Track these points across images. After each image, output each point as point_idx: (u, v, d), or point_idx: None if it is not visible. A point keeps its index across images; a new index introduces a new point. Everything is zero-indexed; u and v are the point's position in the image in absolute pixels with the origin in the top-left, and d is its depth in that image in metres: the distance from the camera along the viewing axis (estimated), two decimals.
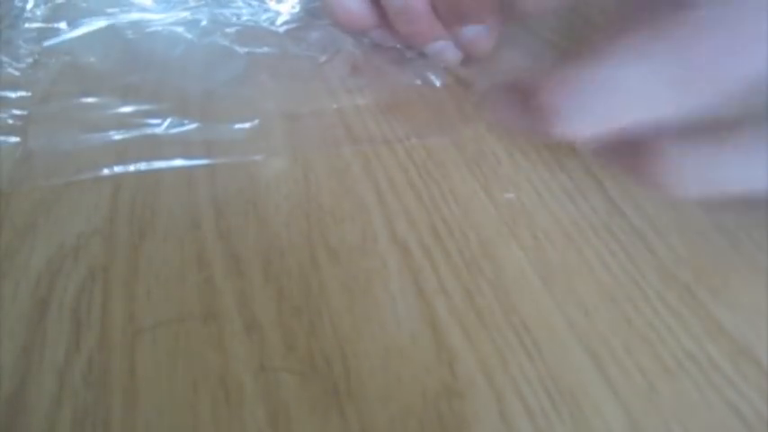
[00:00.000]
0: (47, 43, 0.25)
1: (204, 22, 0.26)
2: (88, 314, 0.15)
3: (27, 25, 0.26)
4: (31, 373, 0.13)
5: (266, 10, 0.28)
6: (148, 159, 0.19)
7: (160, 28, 0.26)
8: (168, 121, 0.21)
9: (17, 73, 0.23)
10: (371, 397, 0.13)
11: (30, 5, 0.27)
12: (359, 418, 0.13)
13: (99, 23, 0.26)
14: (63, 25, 0.25)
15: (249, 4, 0.28)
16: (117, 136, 0.20)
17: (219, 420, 0.13)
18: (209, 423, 0.12)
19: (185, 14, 0.27)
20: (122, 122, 0.21)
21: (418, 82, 0.23)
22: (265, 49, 0.25)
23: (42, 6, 0.27)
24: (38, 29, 0.26)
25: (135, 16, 0.27)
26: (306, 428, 0.12)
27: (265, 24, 0.26)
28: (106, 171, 0.19)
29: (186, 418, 0.13)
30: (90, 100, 0.22)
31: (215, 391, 0.13)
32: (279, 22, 0.26)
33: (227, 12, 0.27)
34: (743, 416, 0.13)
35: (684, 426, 0.12)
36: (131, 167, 0.19)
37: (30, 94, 0.22)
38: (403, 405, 0.13)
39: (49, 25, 0.25)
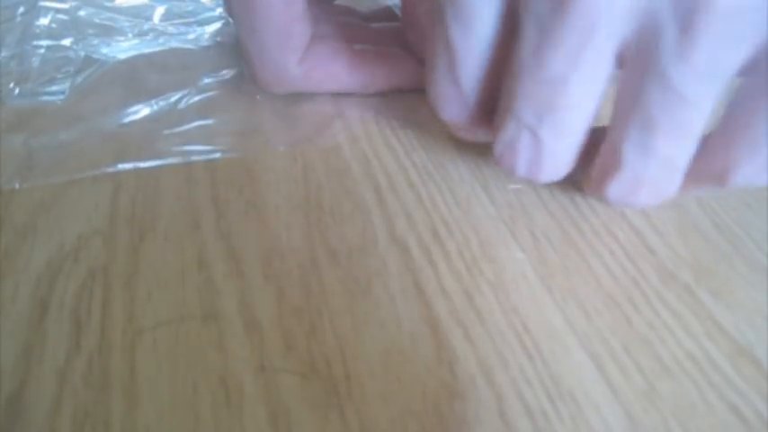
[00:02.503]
0: (50, 44, 0.25)
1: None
2: (88, 314, 0.15)
3: (35, 31, 0.26)
4: (31, 373, 0.13)
5: None
6: (149, 159, 0.19)
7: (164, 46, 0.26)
8: (169, 119, 0.21)
9: (19, 72, 0.23)
10: (371, 397, 0.13)
11: (40, 21, 0.27)
12: (359, 419, 0.13)
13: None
14: (67, 42, 0.25)
15: None
16: (117, 135, 0.20)
17: (219, 420, 0.13)
18: (210, 423, 0.12)
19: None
20: (123, 121, 0.21)
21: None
22: None
23: (48, 16, 0.27)
24: (43, 29, 0.26)
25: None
26: (306, 428, 0.12)
27: None
28: (106, 170, 0.19)
29: (186, 419, 0.13)
30: (91, 99, 0.22)
31: (215, 392, 0.13)
32: None
33: None
34: (743, 416, 0.13)
35: (684, 426, 0.12)
36: (131, 166, 0.19)
37: (30, 93, 0.22)
38: (403, 405, 0.13)
39: (57, 42, 0.25)
